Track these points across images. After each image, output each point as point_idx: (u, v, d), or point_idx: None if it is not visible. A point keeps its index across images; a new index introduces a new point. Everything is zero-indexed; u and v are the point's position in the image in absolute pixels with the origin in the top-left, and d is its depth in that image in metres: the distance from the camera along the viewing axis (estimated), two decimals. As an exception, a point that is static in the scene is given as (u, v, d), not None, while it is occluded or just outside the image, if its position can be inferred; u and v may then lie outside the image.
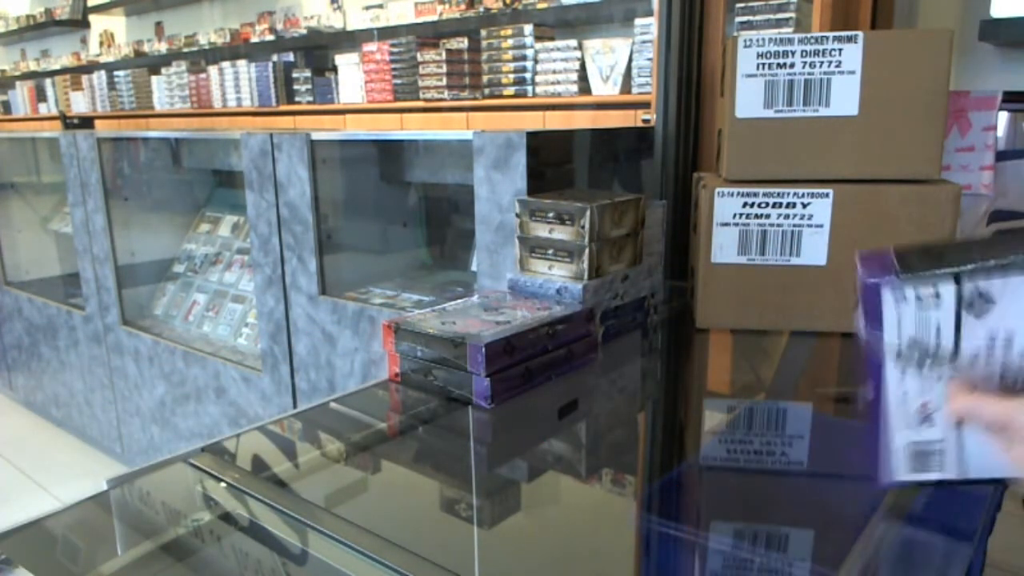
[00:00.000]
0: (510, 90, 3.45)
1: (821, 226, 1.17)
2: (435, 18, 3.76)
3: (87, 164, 2.51)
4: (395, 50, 3.84)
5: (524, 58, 3.39)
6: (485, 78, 3.53)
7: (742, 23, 2.49)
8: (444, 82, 3.62)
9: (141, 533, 0.73)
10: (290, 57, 4.61)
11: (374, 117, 4.02)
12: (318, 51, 4.58)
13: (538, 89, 3.37)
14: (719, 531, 0.73)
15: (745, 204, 1.19)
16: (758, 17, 2.47)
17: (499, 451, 0.91)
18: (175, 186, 2.87)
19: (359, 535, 0.67)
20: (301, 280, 1.92)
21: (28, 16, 6.52)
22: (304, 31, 4.40)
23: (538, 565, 0.67)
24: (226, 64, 4.80)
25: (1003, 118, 1.47)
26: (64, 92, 6.29)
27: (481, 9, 3.57)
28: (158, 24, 5.75)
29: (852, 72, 1.14)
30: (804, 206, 1.17)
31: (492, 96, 3.52)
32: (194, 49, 5.17)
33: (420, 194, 2.31)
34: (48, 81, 6.56)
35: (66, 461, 2.90)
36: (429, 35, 3.82)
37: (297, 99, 4.42)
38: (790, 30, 2.38)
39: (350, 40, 4.25)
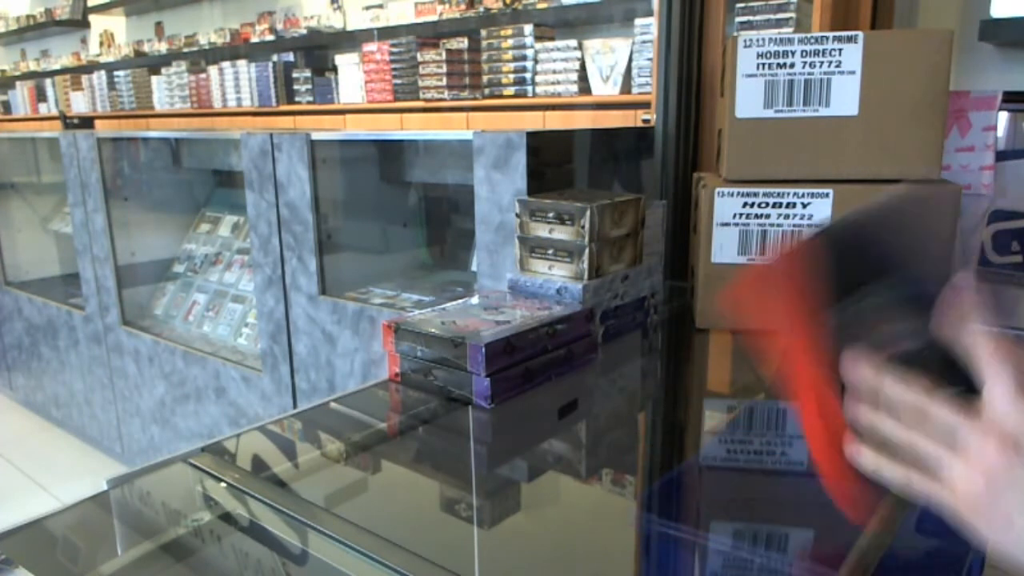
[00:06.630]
0: (510, 90, 3.45)
1: (821, 226, 1.17)
2: (435, 18, 3.76)
3: (87, 164, 2.51)
4: (395, 50, 3.84)
5: (524, 58, 3.39)
6: (485, 78, 3.53)
7: (742, 23, 2.49)
8: (444, 82, 3.61)
9: (141, 533, 0.73)
10: (290, 57, 4.61)
11: (374, 117, 4.01)
12: (318, 51, 4.58)
13: (538, 89, 3.37)
14: (719, 531, 0.73)
15: (745, 204, 1.19)
16: (758, 17, 2.47)
17: (499, 451, 0.91)
18: (175, 186, 2.87)
19: (359, 535, 0.67)
20: (301, 280, 1.92)
21: (28, 16, 6.52)
22: (304, 31, 4.40)
23: (538, 565, 0.66)
24: (226, 64, 4.79)
25: (1003, 118, 1.47)
26: (64, 92, 6.29)
27: (481, 9, 3.57)
28: (158, 24, 5.75)
29: (852, 72, 1.14)
30: (804, 206, 1.17)
31: (492, 96, 3.52)
32: (194, 49, 5.17)
33: (420, 194, 2.31)
34: (48, 81, 6.56)
35: (66, 461, 2.90)
36: (429, 35, 3.82)
37: (297, 99, 4.42)
38: (790, 30, 2.38)
39: (350, 40, 4.25)
